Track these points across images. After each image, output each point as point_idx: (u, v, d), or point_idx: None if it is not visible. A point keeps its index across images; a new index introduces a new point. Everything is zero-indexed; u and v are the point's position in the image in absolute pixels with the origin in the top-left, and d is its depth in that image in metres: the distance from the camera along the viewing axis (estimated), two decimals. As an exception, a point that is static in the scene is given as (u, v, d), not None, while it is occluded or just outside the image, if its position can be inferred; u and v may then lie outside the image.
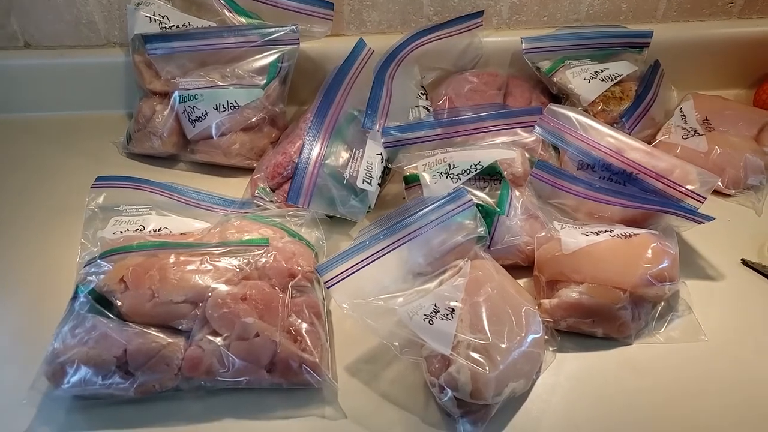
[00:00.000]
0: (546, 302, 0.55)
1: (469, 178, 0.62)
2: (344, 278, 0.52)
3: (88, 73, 0.81)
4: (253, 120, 0.72)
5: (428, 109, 0.73)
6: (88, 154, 0.78)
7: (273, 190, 0.67)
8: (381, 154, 0.66)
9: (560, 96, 0.78)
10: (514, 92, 0.79)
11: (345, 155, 0.65)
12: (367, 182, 0.63)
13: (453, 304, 0.51)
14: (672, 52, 0.80)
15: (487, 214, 0.59)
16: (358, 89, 0.71)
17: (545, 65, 0.78)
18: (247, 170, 0.74)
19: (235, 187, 0.72)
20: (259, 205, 0.66)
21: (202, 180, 0.74)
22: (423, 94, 0.76)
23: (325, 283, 0.52)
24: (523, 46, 0.78)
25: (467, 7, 0.80)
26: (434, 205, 0.57)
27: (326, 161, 0.65)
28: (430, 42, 0.77)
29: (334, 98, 0.69)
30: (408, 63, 0.76)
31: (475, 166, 0.62)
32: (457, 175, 0.62)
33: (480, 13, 0.79)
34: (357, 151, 0.66)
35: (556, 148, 0.71)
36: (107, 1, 0.77)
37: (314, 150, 0.65)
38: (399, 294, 0.53)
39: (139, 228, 0.62)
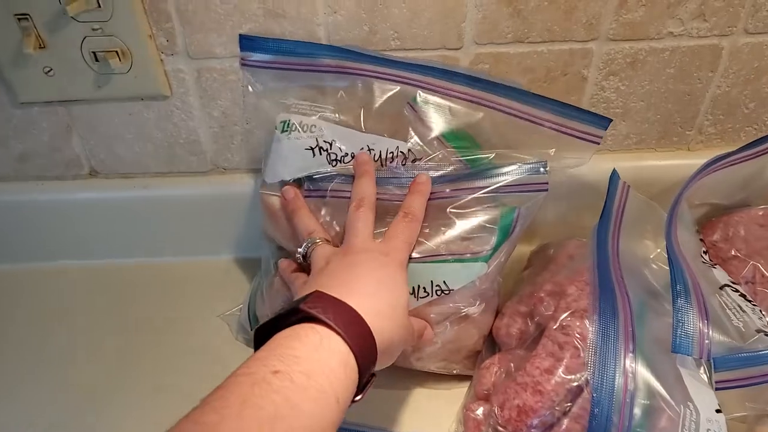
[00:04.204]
0: None
1: None
2: None
3: (179, 210, 0.54)
4: (465, 309, 0.45)
5: (743, 296, 0.46)
6: (185, 329, 0.50)
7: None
8: (717, 407, 0.37)
9: None
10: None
11: (659, 390, 0.37)
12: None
13: None
14: None
15: None
16: (624, 254, 0.45)
17: None
18: (445, 379, 0.47)
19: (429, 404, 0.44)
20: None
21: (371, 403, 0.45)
22: (705, 252, 0.50)
23: None
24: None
25: (761, 117, 0.54)
26: None
27: (634, 408, 0.37)
28: (710, 174, 0.51)
29: (609, 276, 0.42)
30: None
31: None
32: None
33: (780, 130, 0.53)
34: (674, 391, 0.37)
35: None
36: (220, 113, 0.51)
37: (614, 382, 0.36)
38: None
39: None
